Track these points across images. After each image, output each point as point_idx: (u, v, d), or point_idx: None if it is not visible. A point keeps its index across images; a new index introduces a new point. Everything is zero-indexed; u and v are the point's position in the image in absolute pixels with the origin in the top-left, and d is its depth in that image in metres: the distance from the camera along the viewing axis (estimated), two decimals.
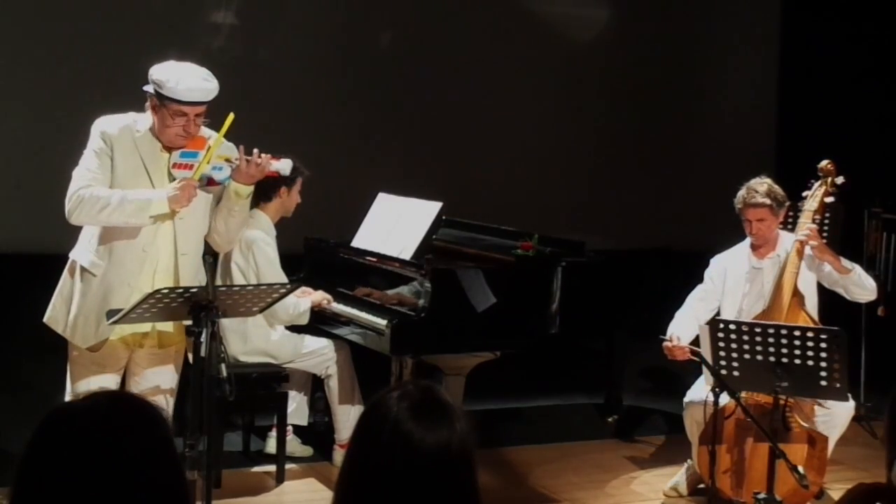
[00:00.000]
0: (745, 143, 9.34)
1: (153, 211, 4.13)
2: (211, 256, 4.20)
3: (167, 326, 4.28)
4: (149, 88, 4.20)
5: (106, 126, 4.22)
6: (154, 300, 3.88)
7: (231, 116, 4.21)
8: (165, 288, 3.94)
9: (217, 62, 7.72)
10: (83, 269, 4.22)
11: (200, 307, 3.91)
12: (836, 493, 5.08)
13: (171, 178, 4.20)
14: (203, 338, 3.90)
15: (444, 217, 5.48)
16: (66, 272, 4.32)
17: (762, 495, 4.41)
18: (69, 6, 7.62)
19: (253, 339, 5.36)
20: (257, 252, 5.25)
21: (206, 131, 4.30)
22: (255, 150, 4.26)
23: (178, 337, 4.32)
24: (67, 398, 4.23)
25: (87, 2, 7.71)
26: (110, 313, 4.05)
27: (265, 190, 5.38)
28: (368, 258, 5.56)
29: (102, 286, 4.19)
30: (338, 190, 7.38)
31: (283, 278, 5.16)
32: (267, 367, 5.41)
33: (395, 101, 8.48)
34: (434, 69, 8.55)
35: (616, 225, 8.58)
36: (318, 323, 5.47)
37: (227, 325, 4.99)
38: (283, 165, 4.40)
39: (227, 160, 4.24)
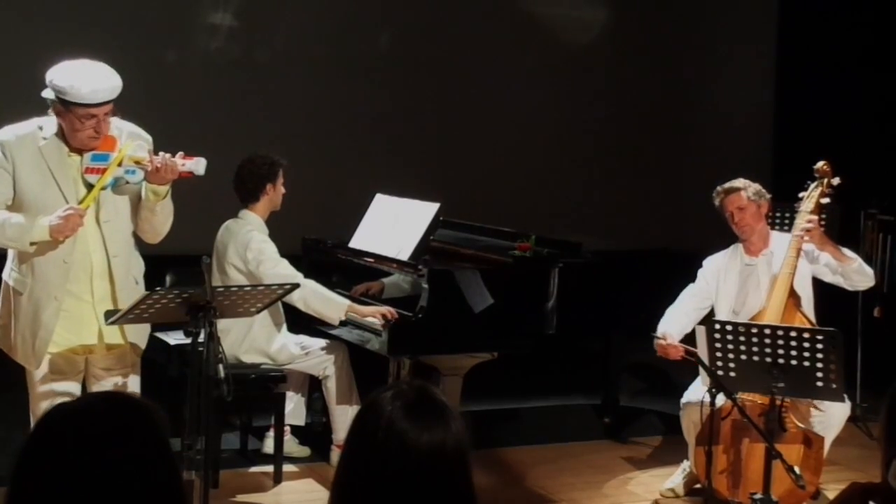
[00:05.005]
0: (743, 143, 9.34)
1: (34, 237, 4.00)
2: (208, 257, 4.18)
3: (114, 338, 4.18)
4: (49, 94, 4.02)
5: (5, 138, 4.08)
6: (152, 300, 3.87)
7: (124, 149, 4.07)
8: (162, 289, 3.94)
9: (215, 63, 7.80)
10: (12, 289, 4.15)
11: (198, 307, 3.91)
12: (832, 493, 5.08)
13: (85, 183, 4.07)
14: (201, 338, 3.91)
15: (441, 218, 5.49)
16: (1, 294, 4.23)
17: (758, 496, 4.41)
18: (66, 6, 7.62)
19: (255, 338, 5.36)
20: (255, 252, 5.26)
21: (116, 122, 4.13)
22: (162, 153, 4.09)
23: (126, 344, 4.22)
24: (32, 408, 4.17)
25: (85, 1, 7.71)
26: (108, 314, 4.04)
27: (250, 191, 5.40)
28: (366, 259, 5.56)
29: (31, 303, 4.10)
30: (335, 190, 7.38)
31: (292, 269, 5.17)
32: (264, 367, 5.42)
33: (393, 101, 8.48)
34: (432, 70, 8.55)
35: (613, 226, 8.58)
36: (317, 324, 5.48)
37: (232, 320, 4.98)
38: (197, 166, 4.14)
39: (138, 162, 4.07)
